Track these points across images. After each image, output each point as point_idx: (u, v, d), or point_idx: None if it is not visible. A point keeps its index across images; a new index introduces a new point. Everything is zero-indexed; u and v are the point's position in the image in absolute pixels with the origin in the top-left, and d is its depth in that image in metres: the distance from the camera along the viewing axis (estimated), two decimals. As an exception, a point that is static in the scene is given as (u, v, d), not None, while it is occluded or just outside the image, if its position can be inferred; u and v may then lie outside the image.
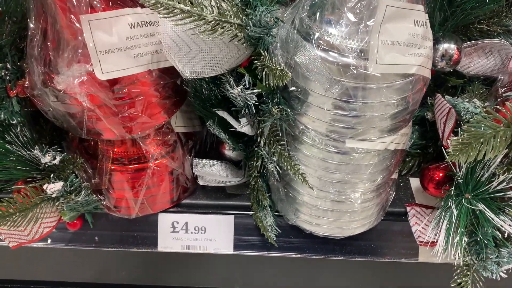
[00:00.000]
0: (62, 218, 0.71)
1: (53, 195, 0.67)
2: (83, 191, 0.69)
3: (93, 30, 0.55)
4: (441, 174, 0.67)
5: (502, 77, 0.70)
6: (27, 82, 0.64)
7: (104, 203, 0.73)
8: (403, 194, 0.77)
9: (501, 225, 0.56)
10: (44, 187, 0.66)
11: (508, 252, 0.64)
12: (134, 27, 0.58)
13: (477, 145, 0.53)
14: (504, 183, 0.55)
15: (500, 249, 0.64)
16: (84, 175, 0.70)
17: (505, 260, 0.64)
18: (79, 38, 0.55)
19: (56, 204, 0.69)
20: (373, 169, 0.61)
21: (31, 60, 0.60)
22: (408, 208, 0.73)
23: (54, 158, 0.68)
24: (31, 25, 0.58)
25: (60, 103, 0.61)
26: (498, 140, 0.52)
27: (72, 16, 0.54)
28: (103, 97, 0.59)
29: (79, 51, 0.56)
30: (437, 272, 0.77)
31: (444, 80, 0.77)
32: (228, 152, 0.75)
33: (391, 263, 0.74)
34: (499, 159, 0.55)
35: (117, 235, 0.77)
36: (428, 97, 0.75)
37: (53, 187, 0.67)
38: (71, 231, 0.76)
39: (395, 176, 0.69)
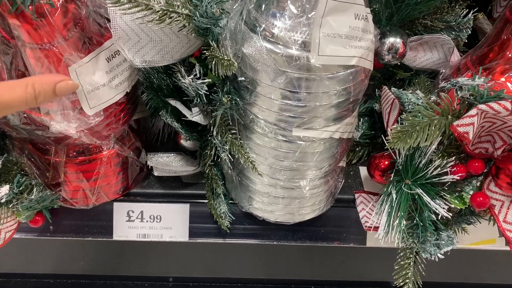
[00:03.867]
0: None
1: (3, 200, 0.66)
2: (35, 188, 0.69)
3: (80, 75, 0.57)
4: (386, 162, 0.70)
5: (443, 70, 0.74)
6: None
7: (61, 196, 0.73)
8: (352, 182, 0.81)
9: (435, 208, 0.59)
10: None
11: (448, 236, 0.69)
12: (110, 60, 0.60)
13: (414, 132, 0.56)
14: (439, 169, 0.59)
15: (440, 232, 0.68)
16: (36, 171, 0.70)
17: (444, 242, 0.68)
18: None
19: (10, 207, 0.68)
20: (320, 157, 0.64)
21: None
22: (356, 195, 0.76)
23: None
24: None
25: (33, 129, 0.63)
26: (433, 128, 0.56)
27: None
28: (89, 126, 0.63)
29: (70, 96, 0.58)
30: (383, 256, 0.81)
31: (392, 73, 0.81)
32: (184, 142, 0.76)
33: (341, 248, 0.77)
34: (434, 146, 0.58)
35: (72, 224, 0.77)
36: (376, 89, 0.79)
37: (0, 193, 0.66)
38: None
39: (342, 164, 0.72)
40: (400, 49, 0.73)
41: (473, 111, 0.53)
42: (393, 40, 0.72)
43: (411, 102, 0.67)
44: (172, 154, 0.76)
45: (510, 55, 0.63)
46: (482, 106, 0.52)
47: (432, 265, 0.70)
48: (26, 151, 0.69)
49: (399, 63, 0.77)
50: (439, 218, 0.61)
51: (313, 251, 0.90)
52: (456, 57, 0.75)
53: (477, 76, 0.57)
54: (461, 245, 0.75)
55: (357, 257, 0.90)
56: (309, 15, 0.51)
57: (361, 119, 0.81)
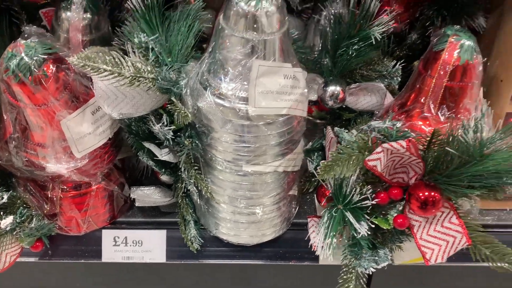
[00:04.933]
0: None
1: (8, 228, 0.80)
2: (35, 218, 0.82)
3: (69, 127, 0.71)
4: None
5: (377, 112, 0.88)
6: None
7: (57, 224, 0.86)
8: (308, 208, 0.94)
9: (358, 228, 0.72)
10: None
11: (384, 253, 0.80)
12: (95, 113, 0.75)
13: (336, 166, 0.69)
14: (360, 195, 0.72)
15: (378, 250, 0.80)
16: (36, 204, 0.84)
17: (381, 258, 0.80)
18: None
19: (14, 234, 0.81)
20: (268, 187, 0.77)
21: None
22: (309, 219, 0.88)
23: (2, 198, 0.80)
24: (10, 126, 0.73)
25: (33, 170, 0.77)
26: (351, 162, 0.69)
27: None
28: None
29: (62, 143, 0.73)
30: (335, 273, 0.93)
31: (339, 115, 0.95)
32: (162, 177, 0.90)
33: (297, 266, 0.90)
34: (354, 177, 0.71)
35: (67, 249, 0.90)
36: (324, 128, 0.92)
37: (5, 222, 0.79)
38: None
39: (293, 192, 0.85)
40: (340, 95, 0.87)
41: (379, 149, 0.66)
42: (334, 88, 0.86)
43: (345, 140, 0.80)
44: (152, 187, 0.89)
45: (422, 101, 0.77)
46: (385, 145, 0.66)
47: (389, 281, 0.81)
48: (28, 187, 0.83)
49: (343, 106, 0.91)
50: (358, 236, 0.73)
51: (280, 270, 1.01)
52: (389, 100, 0.89)
53: (387, 119, 0.71)
54: (401, 261, 0.87)
55: (317, 275, 1.01)
56: (246, 77, 0.66)
57: (316, 153, 0.94)
